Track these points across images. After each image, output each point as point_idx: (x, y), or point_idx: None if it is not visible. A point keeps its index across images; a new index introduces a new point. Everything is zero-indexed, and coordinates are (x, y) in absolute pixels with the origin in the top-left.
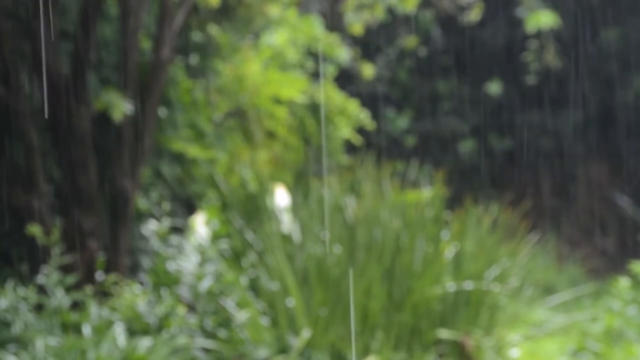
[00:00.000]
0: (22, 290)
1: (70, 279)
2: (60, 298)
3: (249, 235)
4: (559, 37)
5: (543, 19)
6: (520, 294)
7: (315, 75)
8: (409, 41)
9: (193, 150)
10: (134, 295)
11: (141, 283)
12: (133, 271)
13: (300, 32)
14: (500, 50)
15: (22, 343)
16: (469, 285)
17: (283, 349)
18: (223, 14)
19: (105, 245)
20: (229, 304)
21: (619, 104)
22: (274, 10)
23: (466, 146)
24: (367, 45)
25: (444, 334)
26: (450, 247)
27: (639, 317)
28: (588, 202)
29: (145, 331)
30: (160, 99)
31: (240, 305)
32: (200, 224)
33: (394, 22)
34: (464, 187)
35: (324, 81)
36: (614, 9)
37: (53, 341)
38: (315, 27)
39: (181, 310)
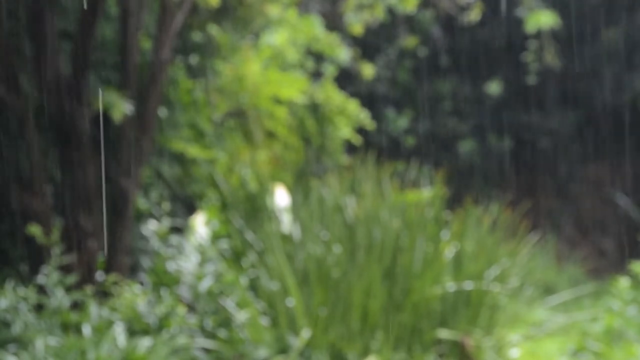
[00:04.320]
0: (22, 290)
1: (70, 279)
2: (60, 298)
3: (249, 235)
4: (559, 37)
5: (543, 19)
6: (520, 294)
7: (315, 75)
8: (409, 41)
9: (193, 150)
10: (134, 295)
11: (141, 283)
12: (133, 271)
13: (300, 32)
14: (501, 50)
15: (22, 343)
16: (469, 285)
17: (283, 349)
18: (223, 14)
19: (105, 245)
20: (229, 304)
21: (619, 104)
22: (274, 10)
23: (466, 146)
24: (367, 45)
25: (444, 334)
26: (450, 247)
27: (639, 317)
28: (588, 202)
29: (145, 331)
30: (160, 99)
31: (240, 305)
32: (200, 224)
33: (394, 22)
34: (464, 187)
35: (324, 81)
36: (614, 9)
37: (53, 341)
38: (315, 27)
39: (181, 310)
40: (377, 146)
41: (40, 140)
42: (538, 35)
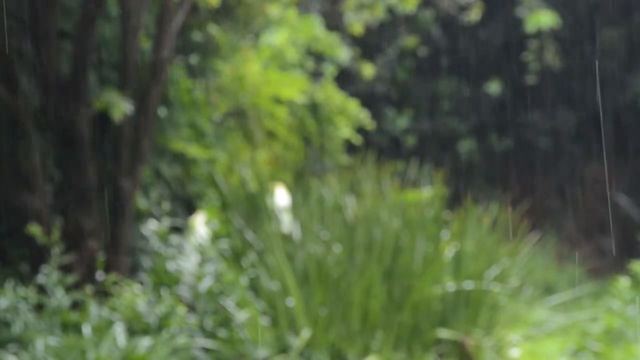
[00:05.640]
0: (22, 290)
1: (70, 279)
2: (60, 298)
3: (249, 235)
4: (559, 37)
5: (543, 19)
6: (520, 294)
7: (315, 75)
8: (409, 41)
9: (193, 150)
10: (134, 295)
11: (141, 283)
12: (133, 271)
13: (300, 32)
14: (501, 50)
15: (22, 343)
16: (469, 285)
17: (283, 349)
18: (223, 14)
19: (105, 245)
20: (229, 304)
21: (619, 104)
22: (274, 10)
23: (466, 146)
24: (367, 45)
25: (444, 334)
26: (450, 247)
27: (639, 317)
28: (588, 202)
29: (145, 331)
30: (160, 98)
31: (240, 305)
32: (200, 224)
33: (394, 22)
34: (464, 187)
35: (324, 81)
36: (614, 9)
37: (53, 341)
38: (315, 27)
39: (181, 310)
40: (377, 146)
41: (40, 140)
42: (538, 35)
